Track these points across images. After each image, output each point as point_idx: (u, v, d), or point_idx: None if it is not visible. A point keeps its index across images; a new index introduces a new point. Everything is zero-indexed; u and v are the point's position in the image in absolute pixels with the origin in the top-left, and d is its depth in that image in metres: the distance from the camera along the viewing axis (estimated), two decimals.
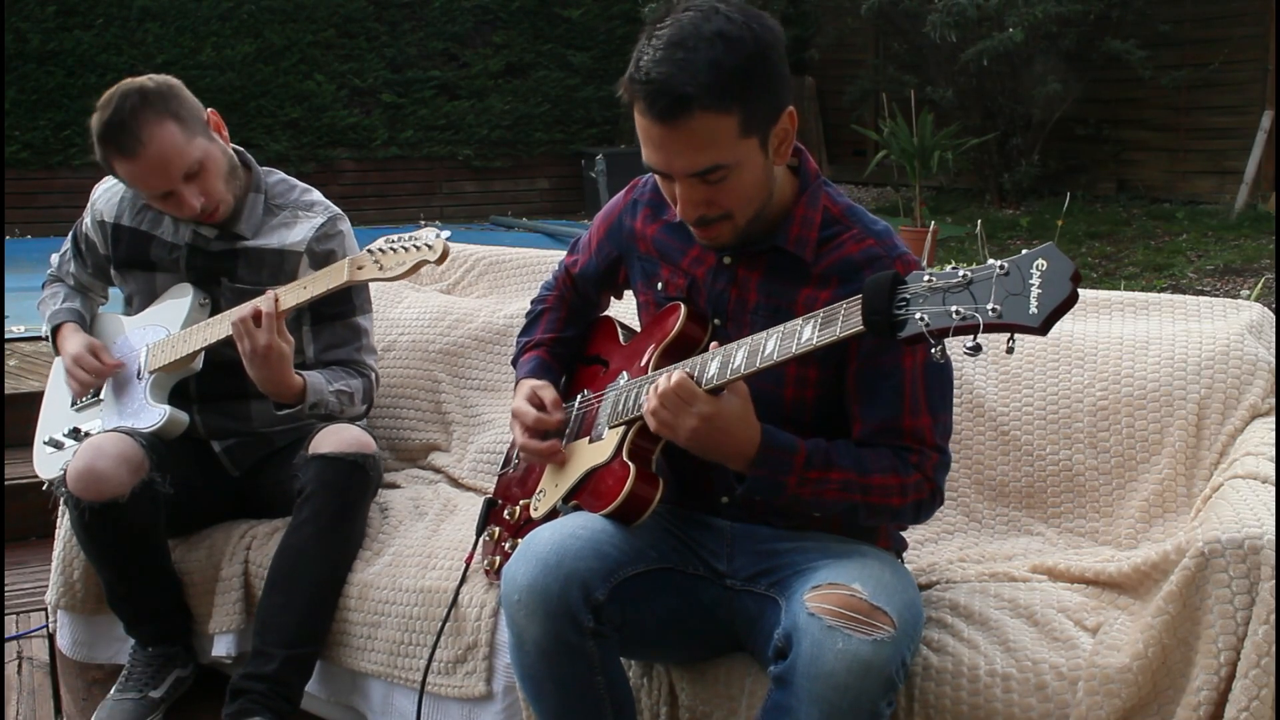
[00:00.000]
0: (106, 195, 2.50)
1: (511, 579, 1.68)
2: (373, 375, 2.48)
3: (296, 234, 2.41)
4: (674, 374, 1.63)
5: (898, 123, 7.51)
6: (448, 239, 2.11)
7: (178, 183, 2.25)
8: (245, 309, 2.19)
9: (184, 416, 2.37)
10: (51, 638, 2.68)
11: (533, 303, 2.19)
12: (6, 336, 4.48)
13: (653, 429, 1.66)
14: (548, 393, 1.95)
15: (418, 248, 2.11)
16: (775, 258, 1.77)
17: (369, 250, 2.16)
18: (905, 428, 1.72)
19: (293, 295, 2.22)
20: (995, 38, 8.06)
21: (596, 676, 1.69)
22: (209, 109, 2.35)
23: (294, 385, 2.26)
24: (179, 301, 2.41)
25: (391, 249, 2.14)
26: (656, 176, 1.74)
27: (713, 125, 1.58)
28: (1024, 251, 1.31)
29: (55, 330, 2.53)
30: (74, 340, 2.46)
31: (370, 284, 2.54)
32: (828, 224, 1.77)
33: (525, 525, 1.94)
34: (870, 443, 1.73)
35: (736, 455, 1.66)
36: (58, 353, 2.54)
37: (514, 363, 2.14)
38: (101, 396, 2.47)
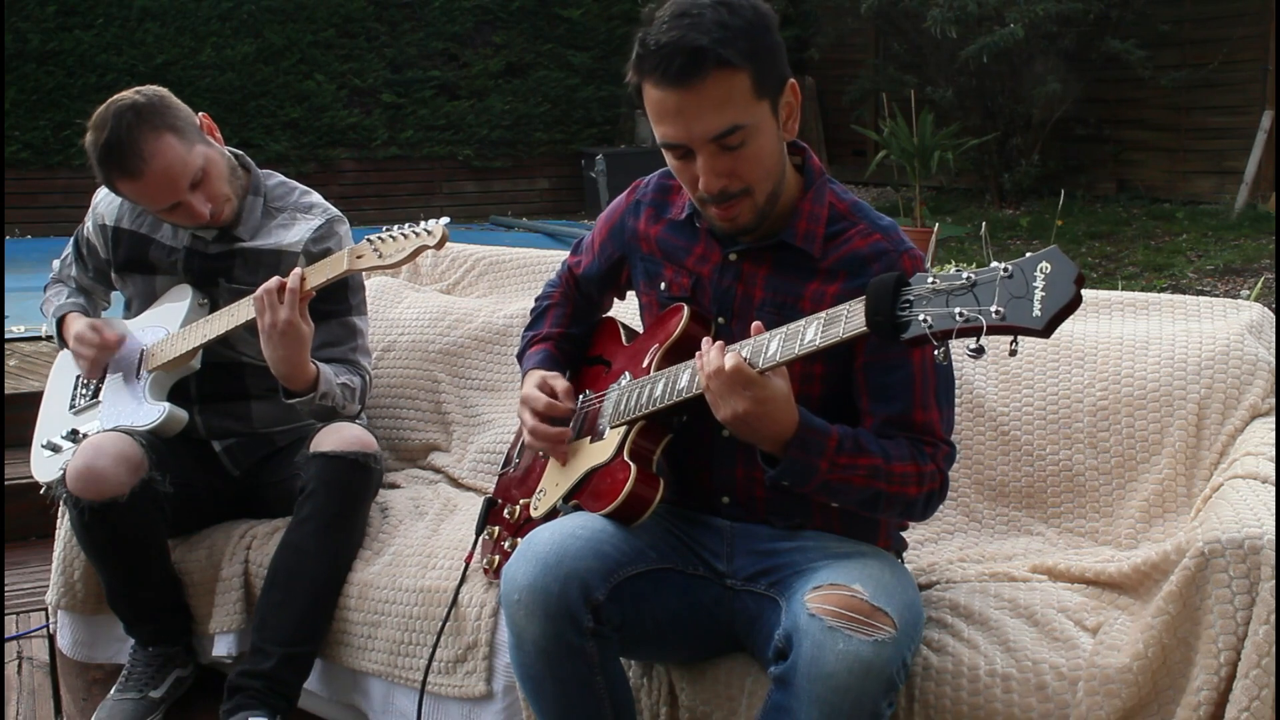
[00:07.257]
0: (108, 199, 2.50)
1: (511, 579, 1.68)
2: (366, 376, 2.48)
3: (294, 235, 2.41)
4: (728, 359, 1.58)
5: (898, 123, 7.50)
6: (446, 225, 2.11)
7: (184, 193, 2.25)
8: (270, 283, 2.17)
9: (183, 414, 2.37)
10: (51, 638, 2.68)
11: (537, 299, 2.19)
12: (6, 336, 4.48)
13: None
14: (559, 382, 1.94)
15: (416, 233, 2.11)
16: (781, 253, 1.78)
17: (368, 239, 2.16)
18: (916, 421, 1.72)
19: (317, 275, 2.19)
20: (996, 33, 8.05)
21: (596, 676, 1.69)
22: (200, 113, 2.34)
23: (308, 372, 2.24)
24: (178, 304, 2.41)
25: (390, 236, 2.14)
26: (672, 161, 1.72)
27: (728, 82, 1.60)
28: (1028, 254, 1.32)
29: (60, 322, 2.52)
30: (76, 323, 2.46)
31: (368, 287, 2.53)
32: (834, 219, 1.78)
33: (525, 525, 1.94)
34: (884, 436, 1.72)
35: (773, 437, 1.62)
36: (64, 345, 2.53)
37: (519, 357, 2.14)
38: (100, 398, 2.47)
